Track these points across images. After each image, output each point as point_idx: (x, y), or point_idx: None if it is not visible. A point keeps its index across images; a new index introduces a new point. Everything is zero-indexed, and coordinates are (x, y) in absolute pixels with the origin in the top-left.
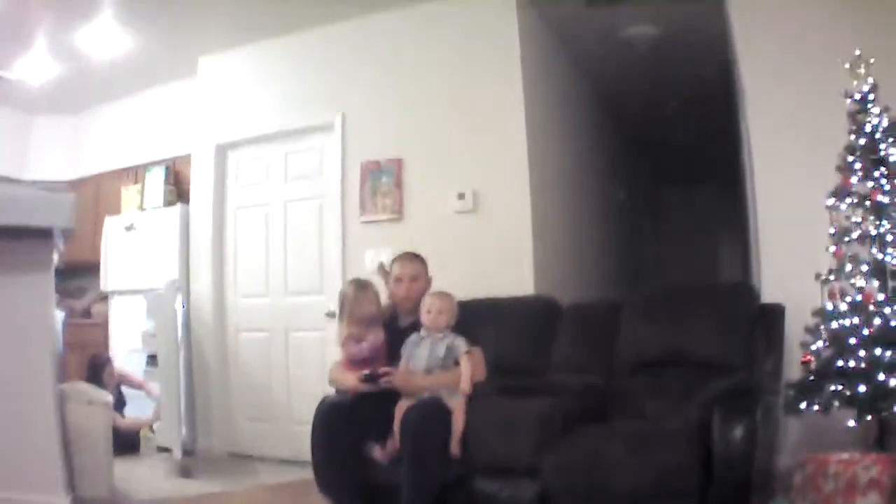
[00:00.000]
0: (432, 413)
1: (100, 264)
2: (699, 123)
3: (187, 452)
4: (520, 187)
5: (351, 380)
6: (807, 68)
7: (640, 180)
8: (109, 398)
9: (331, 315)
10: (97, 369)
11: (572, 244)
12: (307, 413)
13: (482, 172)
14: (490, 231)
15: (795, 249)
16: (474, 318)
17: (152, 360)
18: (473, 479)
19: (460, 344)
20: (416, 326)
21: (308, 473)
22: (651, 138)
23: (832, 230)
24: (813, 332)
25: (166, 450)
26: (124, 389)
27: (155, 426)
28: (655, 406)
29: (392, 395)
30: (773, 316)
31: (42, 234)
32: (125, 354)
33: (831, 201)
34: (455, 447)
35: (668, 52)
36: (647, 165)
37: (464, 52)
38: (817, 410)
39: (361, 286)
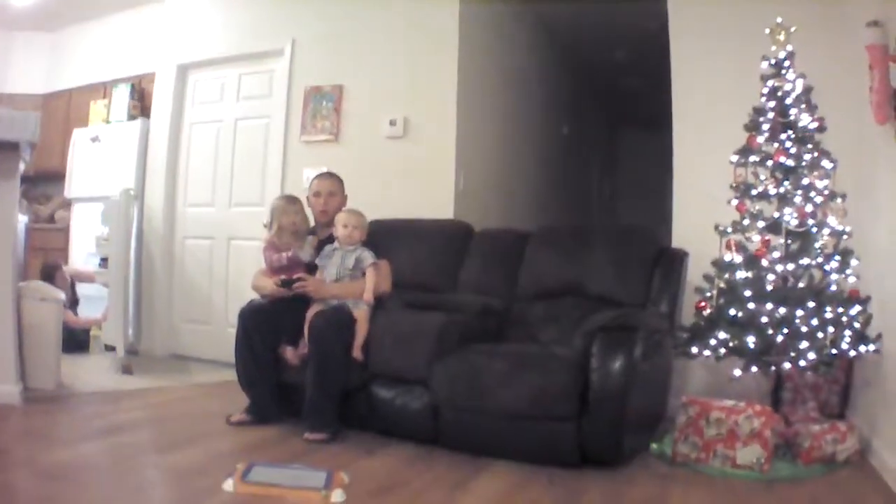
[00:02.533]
0: (337, 319)
1: (65, 173)
2: (650, 71)
3: (131, 352)
4: (447, 117)
5: (269, 285)
6: (730, 31)
7: (596, 123)
8: (61, 296)
9: (266, 226)
10: (49, 274)
11: (501, 174)
12: None
13: (414, 101)
14: (417, 157)
15: (705, 200)
16: (391, 236)
17: (104, 262)
18: (373, 384)
19: (367, 256)
20: (331, 240)
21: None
22: (605, 84)
23: (733, 184)
24: (710, 280)
25: (113, 349)
26: (81, 290)
27: (103, 326)
28: (549, 333)
29: (305, 301)
30: (673, 259)
31: (10, 147)
32: (85, 257)
33: (735, 157)
34: (357, 352)
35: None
36: (604, 110)
37: None
38: (708, 356)
39: (290, 199)
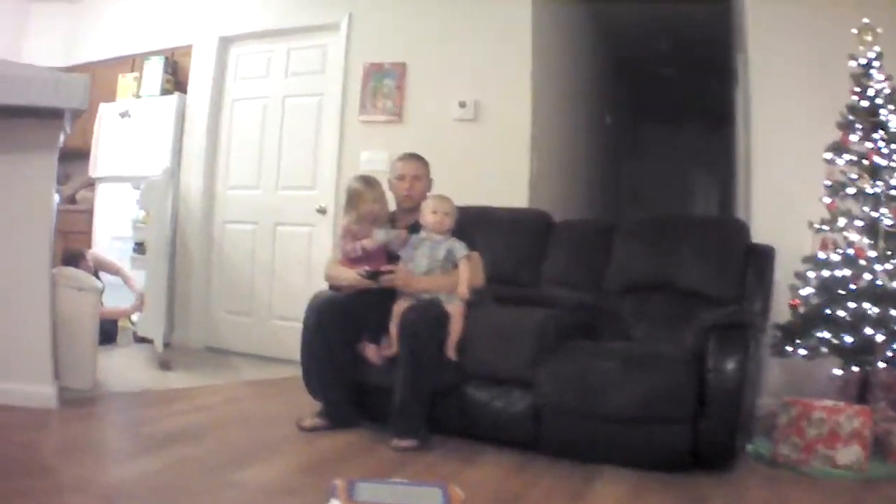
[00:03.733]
0: (432, 315)
1: (87, 151)
2: (687, 62)
3: (164, 344)
4: (522, 101)
5: (350, 275)
6: (814, 25)
7: (621, 111)
8: (100, 285)
9: (321, 211)
10: (71, 261)
11: (564, 162)
12: (289, 309)
13: (485, 83)
14: (489, 141)
15: (787, 196)
16: (469, 226)
17: (139, 247)
18: (466, 385)
19: (460, 248)
20: (415, 228)
21: (288, 370)
22: (637, 71)
23: (828, 183)
24: (802, 277)
25: (143, 341)
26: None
27: (134, 317)
28: (642, 329)
29: (387, 295)
30: (765, 256)
31: (52, 115)
32: (109, 241)
33: (829, 155)
34: (452, 351)
35: None
36: (630, 98)
37: None
38: (804, 355)
39: (369, 183)
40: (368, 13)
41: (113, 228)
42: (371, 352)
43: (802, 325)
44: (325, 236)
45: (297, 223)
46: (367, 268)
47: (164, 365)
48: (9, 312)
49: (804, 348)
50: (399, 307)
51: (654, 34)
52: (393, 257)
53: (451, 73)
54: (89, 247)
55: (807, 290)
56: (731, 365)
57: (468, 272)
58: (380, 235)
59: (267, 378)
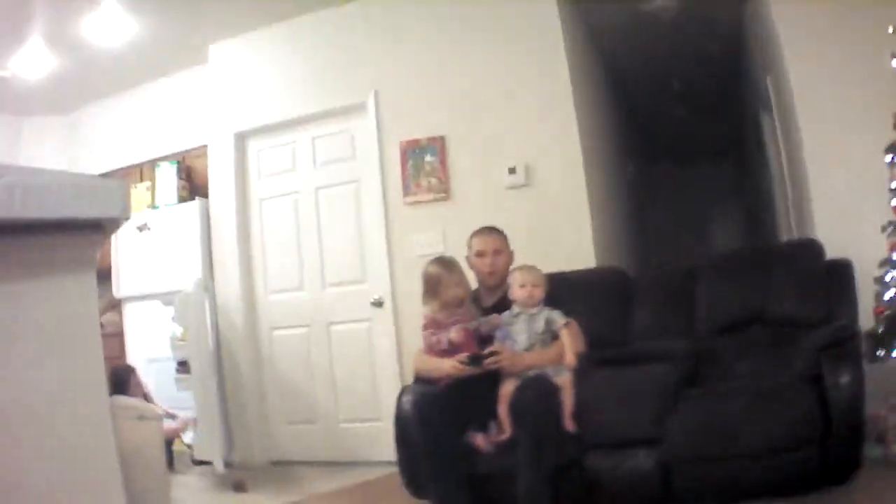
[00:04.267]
0: (545, 391)
1: (107, 271)
2: (695, 100)
3: (226, 464)
4: (573, 158)
5: (446, 365)
6: (848, 30)
7: (635, 157)
8: (160, 412)
9: (377, 303)
10: (122, 380)
11: (612, 216)
12: (355, 411)
13: (531, 145)
14: (545, 204)
15: (847, 204)
16: (559, 292)
17: (182, 367)
18: (587, 456)
19: (558, 317)
20: (502, 305)
21: (368, 473)
22: (646, 114)
23: (893, 185)
24: (881, 282)
25: (201, 463)
26: None
27: (185, 438)
28: (743, 366)
29: (485, 380)
30: (844, 270)
31: (90, 227)
32: (144, 365)
33: (889, 157)
34: (570, 423)
35: (681, 25)
36: (642, 144)
37: (502, 17)
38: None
39: (448, 266)
40: (395, 88)
41: (147, 350)
42: (480, 441)
43: (891, 330)
44: (386, 329)
45: (352, 320)
46: (466, 354)
47: (239, 486)
48: (72, 455)
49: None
50: (506, 389)
51: (661, 75)
52: (482, 339)
53: (494, 139)
54: None
55: (889, 294)
56: (848, 379)
57: (572, 340)
58: (472, 325)
59: (350, 485)
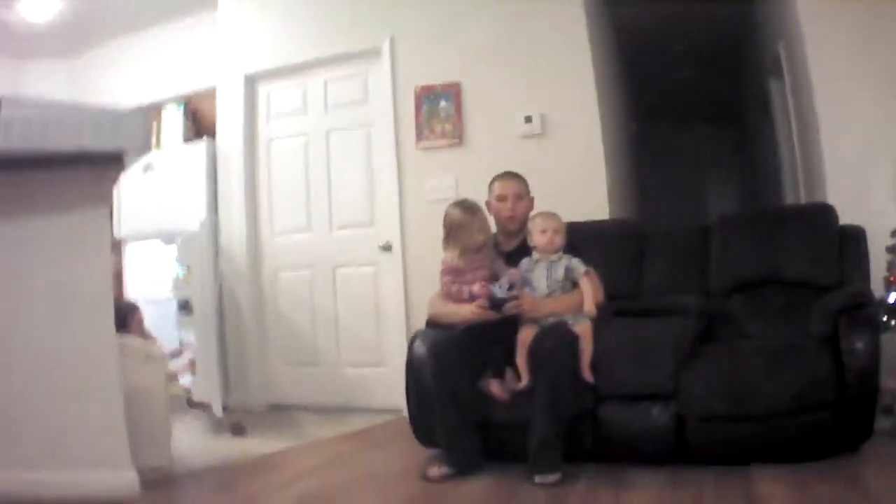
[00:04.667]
0: (564, 340)
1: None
2: (697, 63)
3: (223, 407)
4: (589, 110)
5: (465, 311)
6: (868, 14)
7: (634, 117)
8: (165, 352)
9: (386, 248)
10: (123, 317)
11: (624, 170)
12: (359, 355)
13: (548, 95)
14: (560, 155)
15: (859, 173)
16: (578, 241)
17: (184, 308)
18: (602, 407)
19: (578, 265)
20: (521, 251)
21: (371, 419)
22: (648, 74)
23: None
24: (893, 251)
25: (197, 405)
26: None
27: (185, 380)
28: (756, 326)
29: (503, 325)
30: (857, 236)
31: (109, 159)
32: (143, 305)
33: None
34: (588, 373)
35: None
36: (642, 101)
37: None
38: None
39: (471, 210)
40: (411, 34)
41: (146, 290)
42: (497, 388)
43: None
44: (394, 274)
45: (358, 263)
46: (485, 302)
47: (237, 430)
48: (78, 391)
49: None
50: (525, 335)
51: (666, 35)
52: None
53: (511, 88)
54: None
55: None
56: (864, 345)
57: (592, 288)
58: (494, 289)
59: (354, 430)
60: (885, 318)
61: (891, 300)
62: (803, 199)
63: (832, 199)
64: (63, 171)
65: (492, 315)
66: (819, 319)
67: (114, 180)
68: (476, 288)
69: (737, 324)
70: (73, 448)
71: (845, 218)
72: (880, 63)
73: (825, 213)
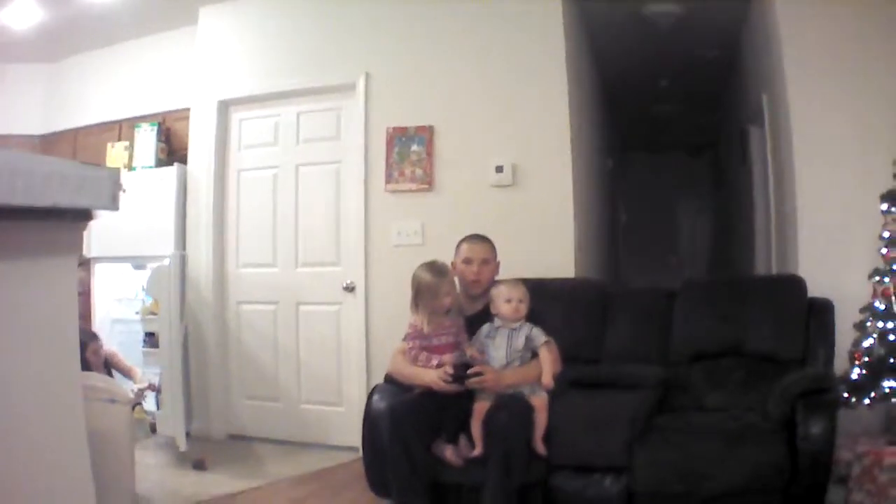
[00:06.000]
0: (520, 412)
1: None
2: (679, 96)
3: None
4: (562, 163)
5: (429, 377)
6: (853, 67)
7: (612, 149)
8: (131, 394)
9: (348, 289)
10: (80, 345)
11: (594, 220)
12: (317, 393)
13: (522, 145)
14: (529, 208)
15: (833, 243)
16: (540, 308)
17: (150, 338)
18: (553, 477)
19: (538, 335)
20: (483, 316)
21: (326, 458)
22: (629, 107)
23: (886, 234)
24: (861, 327)
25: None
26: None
27: (150, 405)
28: (715, 398)
29: (463, 393)
30: (825, 310)
31: (77, 217)
32: (109, 325)
33: (884, 206)
34: (540, 446)
35: (678, 30)
36: (618, 132)
37: (503, 10)
38: (867, 405)
39: (441, 273)
40: (387, 72)
41: (113, 311)
42: (451, 453)
43: (870, 377)
44: (356, 315)
45: (320, 301)
46: (451, 369)
47: (199, 465)
48: (41, 443)
49: (868, 398)
50: (481, 406)
51: (651, 73)
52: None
53: (484, 135)
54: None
55: (868, 342)
56: (821, 431)
57: (550, 360)
58: (458, 356)
59: (311, 471)
60: (846, 395)
61: (853, 376)
62: (774, 259)
63: (803, 268)
64: (28, 224)
65: (454, 389)
66: (777, 401)
67: (80, 232)
68: (447, 359)
69: (695, 393)
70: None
71: (815, 288)
72: (865, 129)
73: (794, 285)
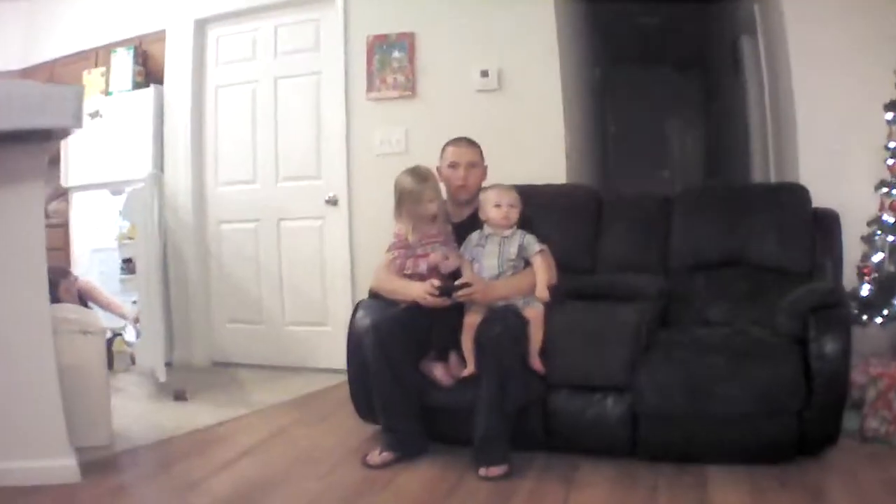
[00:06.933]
0: (514, 326)
1: (56, 158)
2: (668, 9)
3: (166, 364)
4: (550, 65)
5: (415, 291)
6: None
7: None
8: (105, 324)
9: (332, 202)
10: (51, 284)
11: (583, 127)
12: (302, 313)
13: (507, 49)
14: (516, 113)
15: (836, 153)
16: (532, 214)
17: (127, 265)
18: (552, 396)
19: (532, 243)
20: (471, 223)
21: (313, 382)
22: (614, 17)
23: (892, 144)
24: (869, 240)
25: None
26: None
27: (130, 336)
28: (719, 309)
29: (454, 306)
30: (831, 221)
31: (39, 137)
32: (88, 256)
33: (890, 115)
34: (537, 362)
35: None
36: (604, 44)
37: None
38: (880, 323)
39: (424, 178)
40: None
41: (92, 241)
42: (440, 372)
43: (881, 295)
44: (340, 230)
45: (303, 216)
46: (437, 282)
47: (179, 396)
48: (10, 374)
49: (881, 316)
50: (473, 319)
51: None
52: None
53: (468, 39)
54: (68, 264)
55: (877, 256)
56: (836, 350)
57: (545, 270)
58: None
59: (296, 397)
60: (855, 312)
61: (863, 293)
62: (773, 171)
63: (804, 179)
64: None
65: (442, 302)
66: (787, 317)
67: (45, 154)
68: (434, 259)
69: (696, 306)
70: (6, 436)
71: (817, 199)
72: (864, 35)
73: (798, 194)
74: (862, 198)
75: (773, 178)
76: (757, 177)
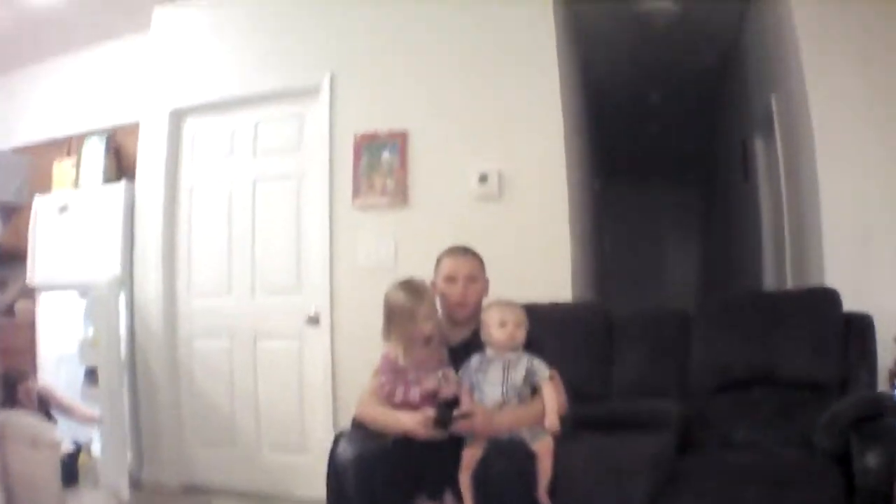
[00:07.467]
0: (520, 462)
1: (23, 253)
2: (673, 116)
3: (133, 483)
4: (555, 170)
5: (406, 422)
6: (877, 69)
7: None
8: (58, 434)
9: (312, 321)
10: (9, 387)
11: (588, 241)
12: (280, 438)
13: (508, 151)
14: (519, 222)
15: (862, 252)
16: (538, 333)
17: (91, 374)
18: None
19: (540, 367)
20: (470, 345)
21: None
22: (617, 125)
23: None
24: None
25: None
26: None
27: (97, 450)
28: (744, 433)
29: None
30: (864, 326)
31: None
32: (55, 363)
33: None
34: (545, 499)
35: (670, 34)
36: (604, 154)
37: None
38: None
39: (416, 292)
40: (354, 72)
41: (60, 346)
42: None
43: None
44: (321, 351)
45: (281, 336)
46: (433, 412)
47: None
48: None
49: None
50: (472, 454)
51: (642, 85)
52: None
53: (465, 140)
54: (34, 370)
55: None
56: (881, 463)
57: (555, 397)
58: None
59: None
60: None
61: None
62: (789, 280)
63: (829, 281)
64: None
65: (437, 434)
66: (827, 432)
67: None
68: (429, 385)
69: (718, 429)
70: None
71: (844, 302)
72: (894, 133)
73: (828, 299)
74: (893, 299)
75: (789, 285)
76: (769, 285)
